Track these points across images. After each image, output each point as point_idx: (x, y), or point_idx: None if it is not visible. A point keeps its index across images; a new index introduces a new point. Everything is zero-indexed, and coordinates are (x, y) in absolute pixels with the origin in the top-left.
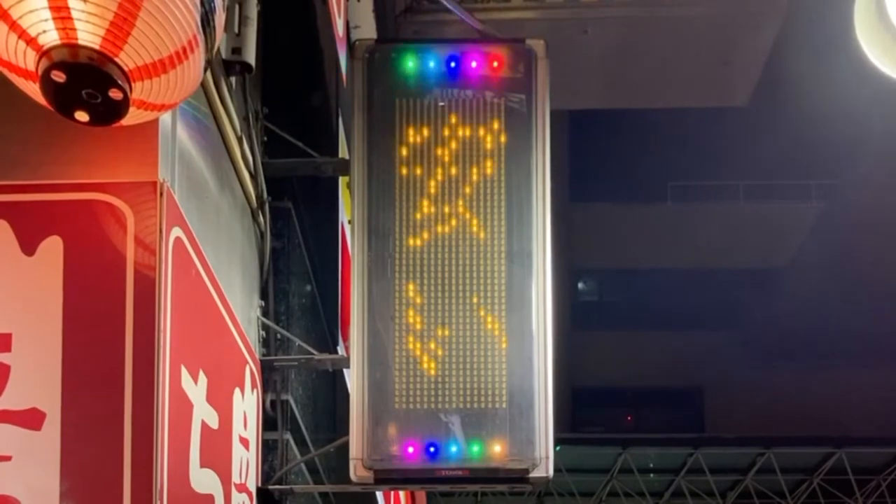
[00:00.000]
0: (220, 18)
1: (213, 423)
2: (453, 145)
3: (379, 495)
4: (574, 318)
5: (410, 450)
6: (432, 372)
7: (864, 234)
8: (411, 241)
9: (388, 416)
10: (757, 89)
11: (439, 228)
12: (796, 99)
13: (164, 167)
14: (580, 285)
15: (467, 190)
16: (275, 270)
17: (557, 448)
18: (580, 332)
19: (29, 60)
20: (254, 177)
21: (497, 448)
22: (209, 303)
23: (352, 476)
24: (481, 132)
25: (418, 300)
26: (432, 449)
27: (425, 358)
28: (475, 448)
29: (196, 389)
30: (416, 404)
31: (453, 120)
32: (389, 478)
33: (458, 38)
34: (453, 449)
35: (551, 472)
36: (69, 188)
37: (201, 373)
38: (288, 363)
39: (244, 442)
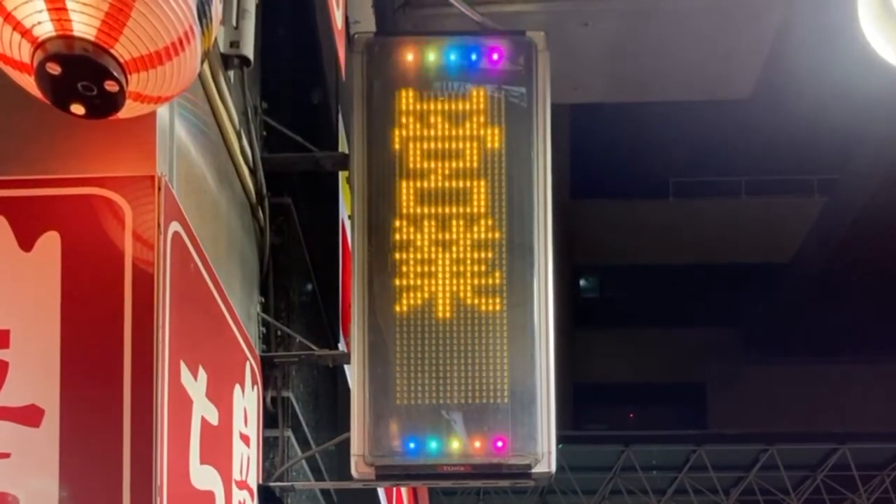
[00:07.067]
0: (216, 10)
1: (213, 419)
2: (454, 139)
3: (381, 492)
4: (576, 314)
5: (412, 446)
6: (433, 367)
7: (867, 228)
8: (412, 236)
9: (389, 412)
10: (759, 83)
11: (440, 222)
12: (798, 92)
13: (162, 161)
14: (582, 282)
15: (468, 183)
16: (275, 266)
17: (560, 446)
18: (582, 329)
19: (24, 52)
20: (253, 172)
21: (499, 444)
22: (208, 298)
23: (353, 473)
24: (482, 125)
25: (419, 295)
26: (434, 445)
27: (426, 353)
28: (477, 444)
29: (196, 385)
30: (417, 400)
31: (454, 113)
32: (391, 474)
33: (458, 30)
34: (455, 445)
35: (554, 468)
36: (66, 183)
37: (201, 369)
38: (288, 359)
39: (245, 439)
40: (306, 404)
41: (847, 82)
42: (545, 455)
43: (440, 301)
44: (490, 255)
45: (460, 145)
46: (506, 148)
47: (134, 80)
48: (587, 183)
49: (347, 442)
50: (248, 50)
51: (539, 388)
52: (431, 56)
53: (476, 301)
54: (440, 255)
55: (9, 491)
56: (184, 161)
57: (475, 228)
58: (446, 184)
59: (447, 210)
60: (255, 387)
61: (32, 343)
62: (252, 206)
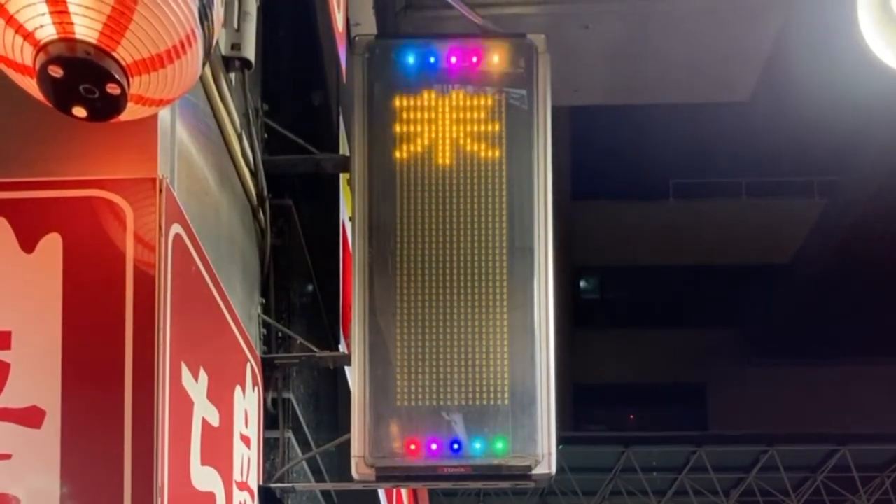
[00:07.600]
0: (217, 12)
1: (214, 420)
2: (454, 141)
3: (381, 494)
4: (576, 315)
5: (412, 447)
6: (434, 369)
7: (867, 230)
8: (412, 238)
9: (389, 413)
10: (759, 85)
11: (440, 224)
12: (798, 94)
13: (164, 163)
14: (582, 283)
15: (468, 185)
16: (275, 268)
17: (560, 447)
18: (582, 330)
19: (26, 55)
20: (254, 174)
21: (499, 445)
22: (209, 300)
23: (353, 474)
24: (482, 127)
25: (419, 297)
26: (434, 446)
27: (427, 355)
28: (477, 445)
29: (196, 387)
30: (417, 401)
31: (454, 115)
32: (391, 475)
33: (459, 33)
34: (455, 446)
35: (554, 469)
36: (68, 185)
37: (202, 370)
38: (289, 361)
39: (245, 440)
40: (307, 405)
41: (847, 85)
42: (545, 456)
43: (440, 302)
44: (490, 256)
45: (460, 147)
46: (506, 150)
47: (136, 83)
48: (588, 184)
49: (348, 443)
50: (250, 52)
51: (539, 389)
52: (432, 58)
53: (476, 302)
54: (441, 257)
55: (10, 492)
56: (185, 163)
57: (476, 230)
58: (447, 185)
59: (448, 211)
60: (256, 388)
61: (34, 344)
62: (253, 207)
